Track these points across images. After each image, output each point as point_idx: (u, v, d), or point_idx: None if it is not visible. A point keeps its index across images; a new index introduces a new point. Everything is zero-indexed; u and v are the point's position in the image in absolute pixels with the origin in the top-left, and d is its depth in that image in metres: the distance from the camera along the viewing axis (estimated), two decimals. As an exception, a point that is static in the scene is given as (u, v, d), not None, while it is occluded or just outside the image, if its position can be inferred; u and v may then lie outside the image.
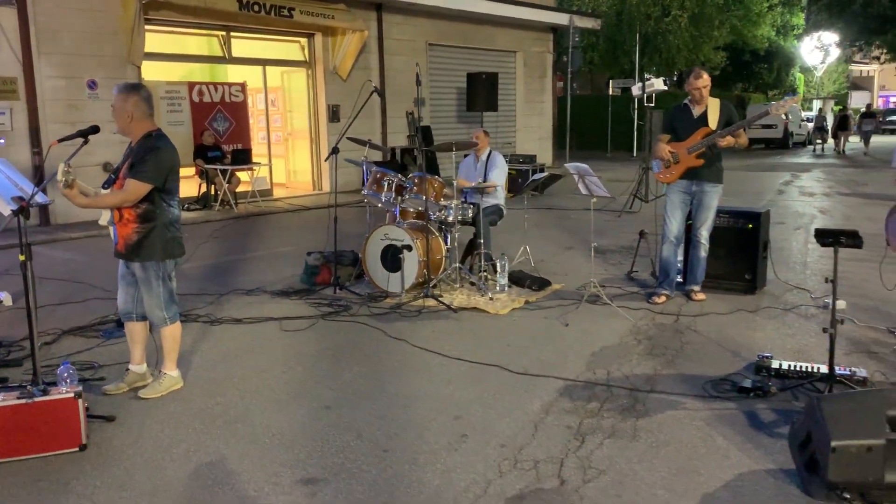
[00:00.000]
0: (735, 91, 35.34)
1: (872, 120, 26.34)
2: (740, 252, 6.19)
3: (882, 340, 4.98)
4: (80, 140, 3.90)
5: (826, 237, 3.93)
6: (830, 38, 32.49)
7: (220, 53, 13.20)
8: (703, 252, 5.96)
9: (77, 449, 3.47)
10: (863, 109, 27.87)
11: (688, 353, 4.78)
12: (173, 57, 12.78)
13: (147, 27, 11.26)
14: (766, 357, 4.33)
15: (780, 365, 4.24)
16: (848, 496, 2.88)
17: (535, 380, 4.33)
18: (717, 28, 27.54)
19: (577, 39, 18.50)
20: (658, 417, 3.77)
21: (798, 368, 4.19)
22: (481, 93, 14.57)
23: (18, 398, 3.41)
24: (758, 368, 4.28)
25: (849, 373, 4.06)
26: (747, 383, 4.06)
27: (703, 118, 5.82)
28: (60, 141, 3.93)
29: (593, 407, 3.92)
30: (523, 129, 19.24)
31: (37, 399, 3.42)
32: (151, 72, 11.94)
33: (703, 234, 5.91)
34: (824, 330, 3.96)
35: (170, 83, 12.27)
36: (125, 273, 4.22)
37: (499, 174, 7.00)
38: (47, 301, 6.25)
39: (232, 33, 13.11)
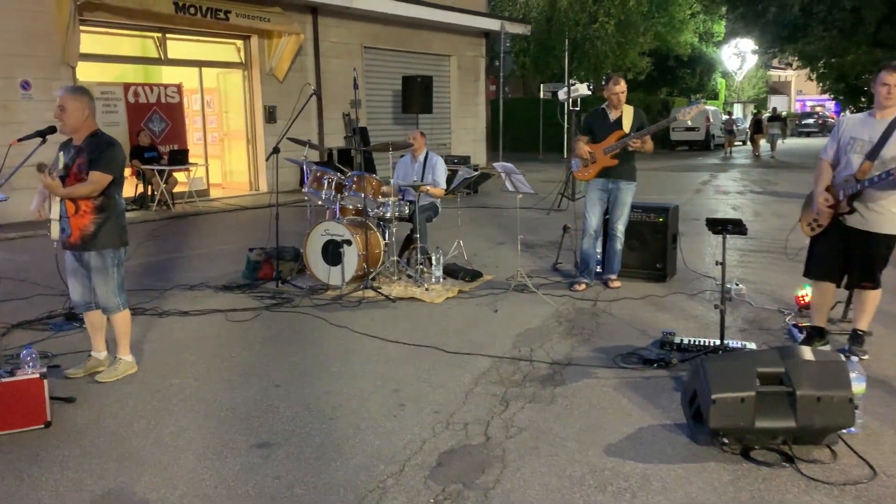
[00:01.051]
0: (660, 95, 36.71)
1: (779, 123, 26.83)
2: (652, 243, 6.79)
3: (773, 319, 5.60)
4: (38, 139, 4.18)
5: (715, 226, 4.49)
6: (747, 45, 34.13)
7: (155, 55, 13.26)
8: (619, 244, 6.52)
9: (42, 426, 3.75)
10: (767, 113, 28.21)
11: (602, 332, 5.31)
12: (108, 58, 12.78)
13: (82, 28, 11.30)
14: (670, 334, 4.88)
15: (682, 340, 4.80)
16: (726, 440, 3.42)
17: (466, 358, 4.78)
18: (643, 34, 28.68)
19: (508, 44, 19.14)
20: (573, 385, 4.26)
21: (696, 343, 4.75)
22: (416, 95, 15.00)
23: (-13, 379, 3.66)
24: (662, 343, 4.82)
25: (740, 346, 4.64)
26: (652, 356, 4.61)
27: (619, 122, 6.38)
28: (20, 140, 4.18)
29: (517, 378, 4.39)
30: (458, 131, 19.77)
31: (4, 380, 3.68)
32: (86, 72, 11.95)
33: (619, 228, 6.47)
34: (715, 307, 4.53)
35: (105, 84, 12.28)
36: (76, 267, 4.47)
37: (441, 176, 7.43)
38: (-5, 297, 6.39)
39: (168, 35, 13.20)
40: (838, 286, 4.72)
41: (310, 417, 3.87)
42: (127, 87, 12.49)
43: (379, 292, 6.39)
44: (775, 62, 44.02)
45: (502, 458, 3.37)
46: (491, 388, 4.24)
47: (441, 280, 6.77)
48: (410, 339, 5.18)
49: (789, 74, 60.68)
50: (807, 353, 3.45)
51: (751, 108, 33.40)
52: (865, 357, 4.59)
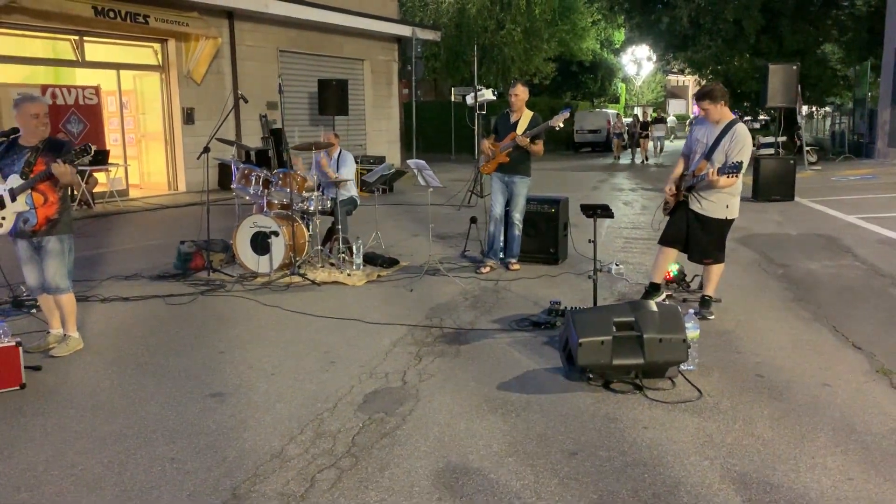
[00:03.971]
0: (564, 99, 38.44)
1: (663, 126, 27.25)
2: (546, 231, 7.76)
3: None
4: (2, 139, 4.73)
5: (587, 210, 5.46)
6: (643, 52, 36.25)
7: (73, 57, 13.44)
8: (517, 231, 7.45)
9: (18, 387, 4.32)
10: (651, 116, 28.07)
11: (502, 305, 6.21)
12: (26, 60, 12.89)
13: (-1, 30, 11.46)
14: (556, 303, 5.80)
15: (566, 307, 5.73)
16: (591, 376, 4.34)
17: (386, 327, 5.58)
18: (547, 41, 30.23)
19: (419, 50, 19.98)
20: (475, 344, 5.13)
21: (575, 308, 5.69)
22: (332, 98, 15.64)
23: (-32, 347, 4.21)
24: (549, 311, 5.73)
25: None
26: (540, 320, 5.52)
27: (516, 125, 7.30)
28: (-14, 139, 4.72)
29: (429, 340, 5.22)
30: (373, 133, 20.48)
31: (-16, 347, 4.24)
32: (2, 74, 12.05)
33: (517, 217, 7.40)
34: (588, 277, 5.50)
35: (22, 85, 12.40)
36: (31, 255, 5.00)
37: (349, 170, 8.18)
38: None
39: (85, 38, 13.41)
40: (683, 251, 5.79)
41: (253, 374, 4.59)
42: (44, 88, 12.62)
43: (305, 278, 7.10)
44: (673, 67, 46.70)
45: (416, 395, 4.20)
46: (407, 348, 5.06)
47: (361, 267, 7.52)
48: (336, 315, 5.94)
49: (687, 79, 64.26)
50: (651, 305, 4.42)
51: (650, 111, 35.37)
52: (711, 317, 5.66)
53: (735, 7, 22.57)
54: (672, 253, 5.80)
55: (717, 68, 25.65)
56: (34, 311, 5.89)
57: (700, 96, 5.51)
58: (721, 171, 5.16)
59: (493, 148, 7.30)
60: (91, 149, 4.77)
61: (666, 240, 5.79)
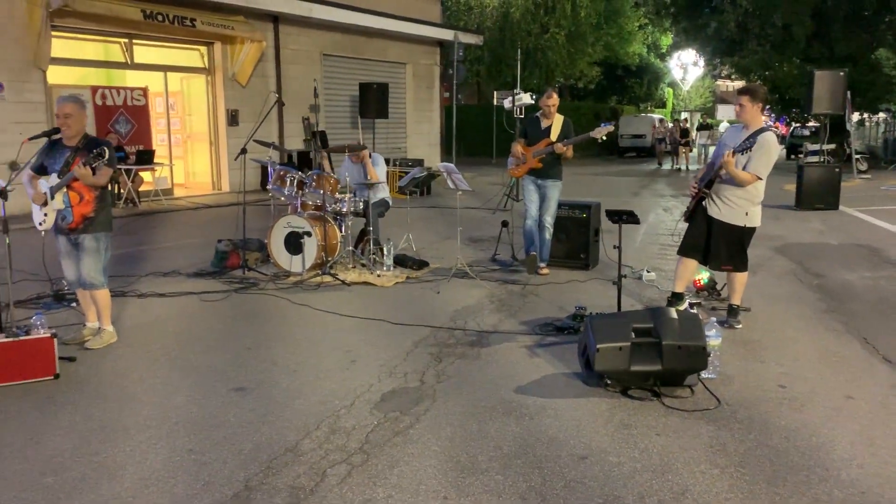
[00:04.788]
0: (609, 103, 38.14)
1: (708, 132, 24.85)
2: (577, 237, 7.75)
3: (673, 299, 6.58)
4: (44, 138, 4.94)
5: (613, 216, 5.44)
6: (690, 57, 35.76)
7: (122, 59, 13.86)
8: (548, 235, 7.45)
9: (52, 377, 4.50)
10: (698, 121, 26.76)
11: (527, 309, 6.23)
12: (78, 62, 13.34)
13: (53, 33, 11.87)
14: (582, 308, 5.80)
15: (591, 313, 5.72)
16: (609, 382, 4.34)
17: (409, 328, 5.64)
18: (592, 45, 30.01)
19: (461, 53, 20.05)
20: (496, 347, 5.16)
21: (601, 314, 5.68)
22: (373, 101, 15.80)
23: (7, 337, 4.40)
24: (574, 316, 5.73)
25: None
26: (564, 325, 5.53)
27: (548, 130, 7.31)
28: (30, 139, 4.92)
29: (451, 342, 5.27)
30: (413, 136, 20.64)
31: (21, 338, 4.42)
32: (55, 76, 12.50)
33: (548, 220, 7.40)
34: (613, 283, 5.48)
35: (74, 87, 12.82)
36: (70, 250, 5.20)
37: (381, 170, 8.26)
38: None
39: (134, 40, 13.81)
40: (702, 263, 5.74)
41: (276, 370, 4.70)
42: (94, 89, 13.06)
43: (336, 278, 7.21)
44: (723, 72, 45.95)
45: (433, 395, 4.25)
46: (428, 349, 5.11)
47: (391, 268, 7.61)
48: (362, 315, 6.02)
49: (737, 84, 63.08)
50: (671, 312, 4.40)
51: (698, 116, 34.64)
52: (739, 326, 5.59)
53: (784, 12, 22.14)
54: (692, 263, 5.74)
55: (764, 74, 25.17)
56: (74, 304, 6.11)
57: (741, 91, 5.46)
58: (737, 150, 5.14)
59: (525, 153, 7.32)
60: (105, 153, 4.84)
61: (685, 249, 5.73)
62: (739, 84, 56.08)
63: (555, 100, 7.33)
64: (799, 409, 4.07)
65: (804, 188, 12.90)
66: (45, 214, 5.08)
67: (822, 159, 14.94)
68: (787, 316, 5.97)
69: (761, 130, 5.29)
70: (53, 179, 4.97)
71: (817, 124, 35.58)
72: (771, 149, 5.25)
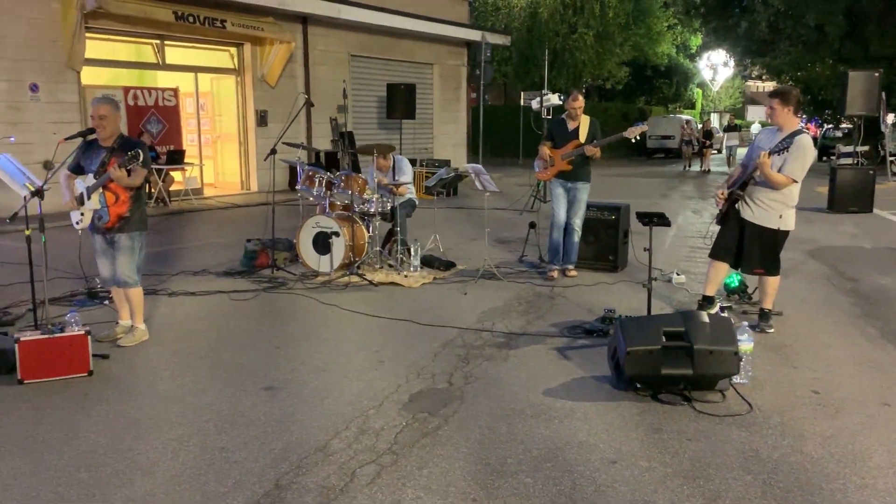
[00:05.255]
0: (637, 104, 37.84)
1: (736, 134, 24.92)
2: (605, 238, 7.70)
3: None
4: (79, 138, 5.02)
5: (643, 218, 5.39)
6: (720, 57, 35.36)
7: (154, 60, 14.04)
8: (577, 238, 7.40)
9: (86, 374, 4.57)
10: (727, 122, 26.45)
11: (555, 311, 6.20)
12: (110, 63, 13.54)
13: (87, 35, 12.06)
14: (611, 311, 5.75)
15: (620, 315, 5.67)
16: (639, 385, 4.30)
17: (437, 329, 5.64)
18: (620, 45, 29.78)
19: (488, 54, 20.02)
20: (525, 349, 5.14)
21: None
22: (400, 102, 15.83)
23: (42, 334, 4.48)
24: (603, 319, 5.69)
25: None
26: (592, 327, 5.49)
27: (576, 132, 7.26)
28: (66, 139, 5.00)
29: (479, 343, 5.26)
30: (440, 136, 20.65)
31: (56, 335, 4.50)
32: (88, 76, 12.69)
33: (577, 223, 7.36)
34: (643, 286, 5.43)
35: (106, 87, 13.02)
36: (105, 249, 5.27)
37: (407, 175, 8.27)
38: (18, 279, 7.16)
39: (166, 42, 13.99)
40: (734, 267, 5.68)
41: (305, 370, 4.72)
42: (126, 90, 13.24)
43: (363, 278, 7.24)
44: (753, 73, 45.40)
45: (461, 397, 4.24)
46: (456, 350, 5.11)
47: (418, 269, 7.62)
48: (390, 315, 6.04)
49: (767, 85, 62.26)
50: (703, 316, 4.35)
51: (727, 117, 34.19)
52: (771, 331, 5.51)
53: (817, 12, 21.81)
54: (724, 266, 5.67)
55: (796, 74, 24.81)
56: (106, 301, 6.20)
57: (773, 94, 5.38)
58: (772, 151, 5.08)
59: (553, 155, 7.28)
60: (140, 154, 4.90)
61: (717, 253, 5.66)
62: (770, 85, 55.42)
63: (581, 101, 7.27)
64: (834, 415, 4.01)
65: (837, 191, 12.70)
66: (82, 214, 5.14)
67: (855, 161, 14.69)
68: (821, 320, 5.88)
69: (797, 133, 5.20)
70: (90, 180, 5.04)
71: (850, 125, 35.07)
72: (807, 151, 5.16)
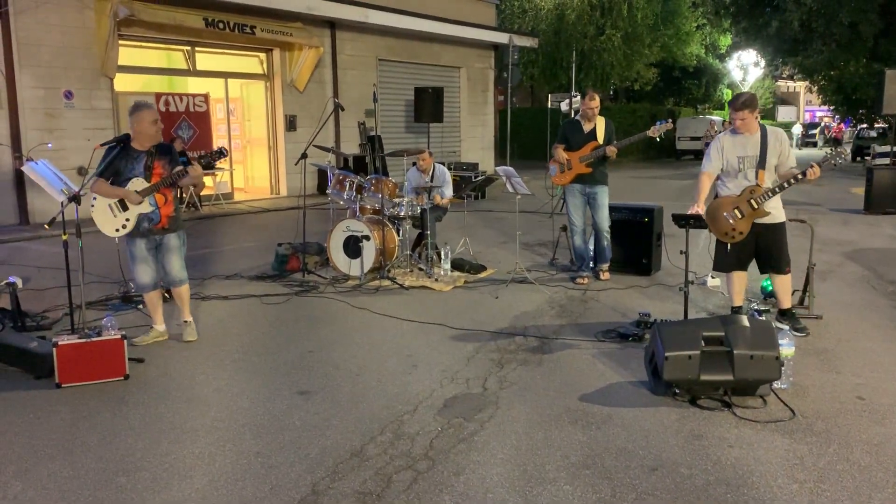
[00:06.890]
0: (666, 105, 37.47)
1: None
2: (638, 241, 7.59)
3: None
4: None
5: (679, 220, 5.30)
6: (750, 57, 34.88)
7: (185, 66, 14.20)
8: (606, 241, 7.31)
9: (122, 378, 4.60)
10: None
11: (588, 314, 6.13)
12: (143, 69, 13.72)
13: (120, 42, 12.23)
14: (645, 314, 5.67)
15: (655, 319, 5.59)
16: (678, 391, 4.22)
17: (469, 332, 5.60)
18: (648, 46, 29.48)
19: (516, 57, 19.95)
20: (559, 353, 5.08)
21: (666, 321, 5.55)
22: (428, 105, 15.85)
23: (80, 338, 4.52)
24: (638, 323, 5.61)
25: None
26: (628, 332, 5.41)
27: (593, 133, 7.16)
28: (102, 145, 5.05)
29: (512, 348, 5.21)
30: (467, 139, 20.63)
31: (93, 339, 4.53)
32: (121, 83, 12.87)
33: (604, 227, 7.26)
34: (680, 289, 5.34)
35: (139, 94, 13.20)
36: (146, 254, 5.29)
37: (449, 188, 8.30)
38: (53, 284, 7.27)
39: (197, 48, 14.14)
40: (762, 272, 5.64)
41: (339, 374, 4.71)
42: (158, 96, 13.41)
43: (394, 281, 7.22)
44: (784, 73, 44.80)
45: (496, 402, 4.20)
46: (489, 354, 5.07)
47: (449, 272, 7.59)
48: (422, 319, 6.01)
49: (798, 85, 61.33)
50: (743, 320, 4.25)
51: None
52: (803, 335, 5.37)
53: (851, 10, 21.42)
54: (743, 274, 5.60)
55: (829, 74, 24.39)
56: (140, 306, 6.25)
57: (741, 105, 5.23)
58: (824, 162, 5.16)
59: (570, 158, 7.18)
60: (226, 151, 5.11)
61: (732, 265, 5.53)
62: (801, 84, 54.55)
63: (597, 102, 7.16)
64: (880, 422, 3.89)
65: (874, 192, 12.43)
66: (127, 219, 5.13)
67: (892, 161, 14.38)
68: (862, 325, 5.74)
69: (765, 127, 5.33)
70: (135, 184, 5.06)
71: (884, 125, 34.38)
72: (785, 137, 5.39)
